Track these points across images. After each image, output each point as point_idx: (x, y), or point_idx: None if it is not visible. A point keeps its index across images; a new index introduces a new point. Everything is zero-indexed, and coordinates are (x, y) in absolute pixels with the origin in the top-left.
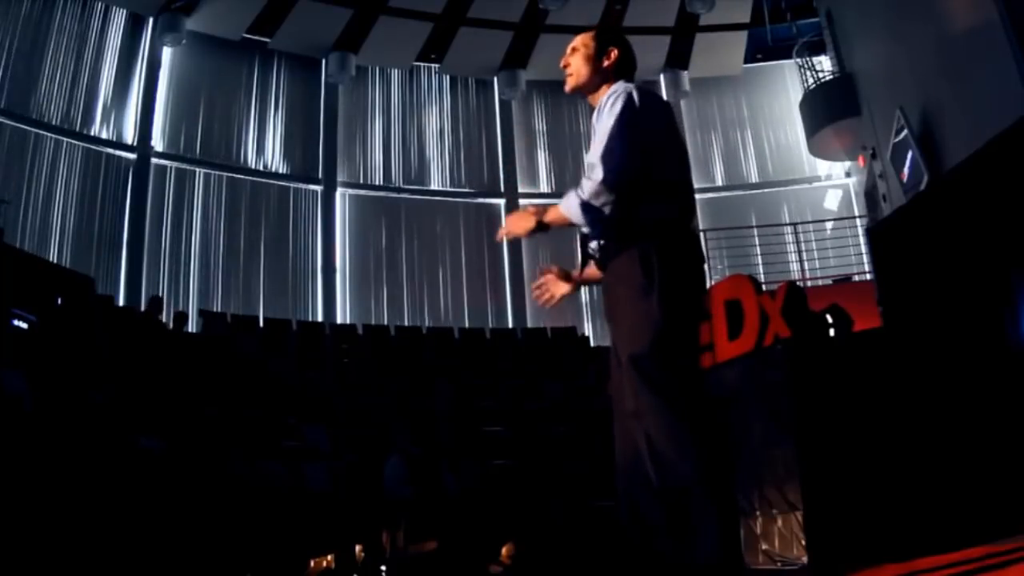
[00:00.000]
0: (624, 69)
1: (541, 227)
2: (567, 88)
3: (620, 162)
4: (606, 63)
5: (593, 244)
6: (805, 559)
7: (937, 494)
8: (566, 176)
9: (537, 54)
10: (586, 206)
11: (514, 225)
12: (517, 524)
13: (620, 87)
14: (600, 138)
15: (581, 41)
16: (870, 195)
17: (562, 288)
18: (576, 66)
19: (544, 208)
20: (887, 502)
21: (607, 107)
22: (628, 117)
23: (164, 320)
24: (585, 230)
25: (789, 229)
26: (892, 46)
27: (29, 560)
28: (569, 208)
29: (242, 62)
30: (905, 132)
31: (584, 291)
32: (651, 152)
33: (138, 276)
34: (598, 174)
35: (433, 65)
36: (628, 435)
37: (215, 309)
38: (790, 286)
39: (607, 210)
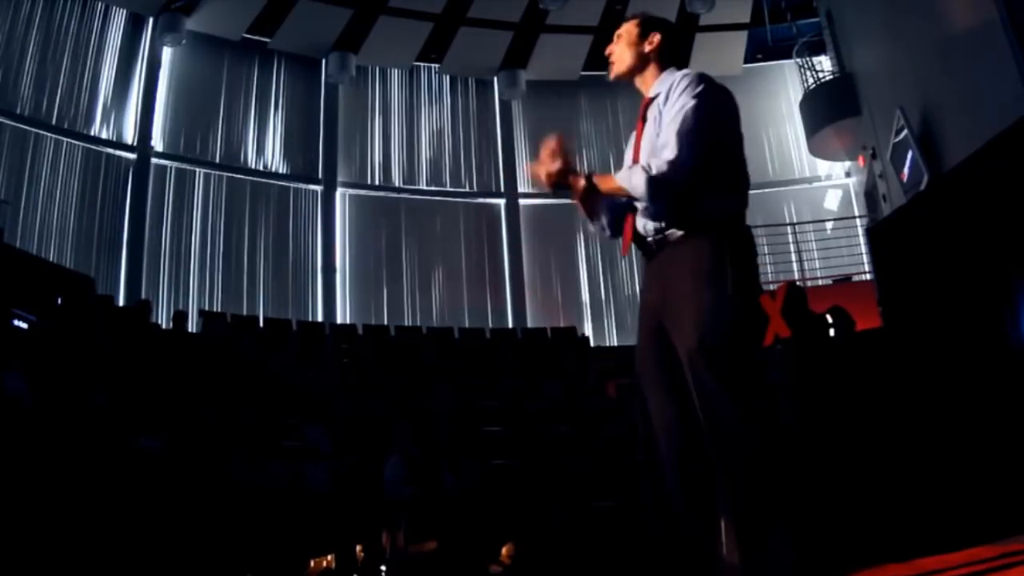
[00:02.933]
0: (669, 54)
1: (590, 189)
2: (611, 75)
3: (695, 145)
4: (648, 48)
5: (651, 227)
6: (804, 556)
7: (938, 494)
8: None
9: (537, 54)
10: (653, 181)
11: (559, 179)
12: (517, 524)
13: (692, 73)
14: (673, 119)
15: (625, 28)
16: (870, 195)
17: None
18: (619, 52)
19: (589, 174)
20: (887, 502)
21: (678, 90)
22: (706, 104)
23: (158, 322)
24: (640, 205)
25: (789, 229)
26: (892, 46)
27: (29, 560)
28: (632, 180)
29: (242, 62)
30: (905, 132)
31: (584, 292)
32: (725, 145)
33: (138, 276)
34: (670, 153)
35: (433, 65)
36: (679, 423)
37: (215, 309)
38: (790, 286)
39: (674, 192)
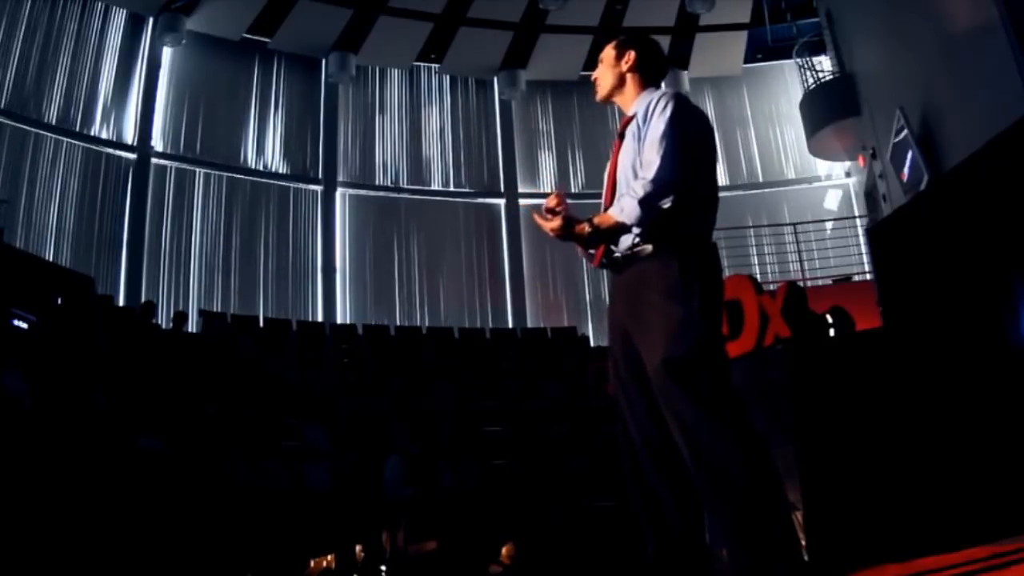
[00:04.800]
0: (647, 69)
1: (595, 233)
2: (597, 98)
3: (675, 162)
4: (624, 66)
5: (624, 243)
6: (805, 559)
7: (937, 494)
8: (567, 176)
9: (537, 54)
10: (643, 203)
11: (564, 233)
12: (517, 524)
13: (668, 93)
14: (652, 141)
15: (604, 52)
16: (870, 195)
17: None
18: (600, 74)
19: (590, 219)
20: (887, 502)
21: (656, 110)
22: (681, 123)
23: (158, 323)
24: (636, 231)
25: (789, 229)
26: (892, 46)
27: (29, 560)
28: (625, 211)
29: (242, 62)
30: (905, 132)
31: (585, 292)
32: (697, 162)
33: (138, 276)
34: (652, 172)
35: (433, 65)
36: (651, 422)
37: (215, 309)
38: (790, 286)
39: (662, 209)
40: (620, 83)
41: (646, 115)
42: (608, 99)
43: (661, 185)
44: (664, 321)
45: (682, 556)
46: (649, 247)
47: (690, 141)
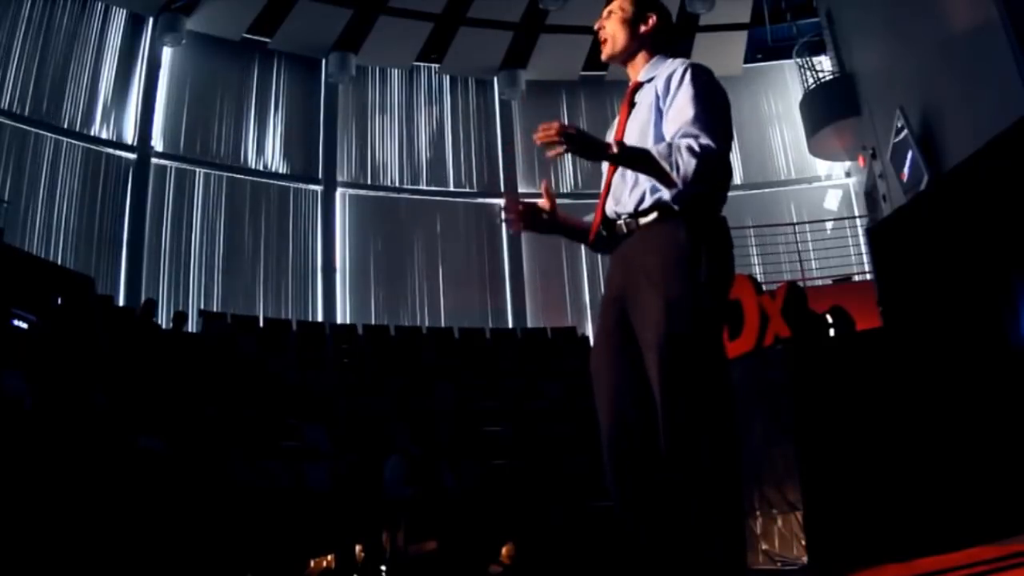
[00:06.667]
0: (664, 39)
1: (615, 160)
2: (604, 55)
3: (724, 131)
4: (643, 29)
5: (629, 206)
6: (805, 559)
7: (938, 494)
8: (567, 176)
9: (537, 54)
10: (704, 162)
11: (583, 148)
12: (517, 524)
13: (694, 63)
14: (689, 105)
15: (618, 4)
16: (870, 195)
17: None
18: (612, 30)
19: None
20: (887, 502)
21: (686, 80)
22: (714, 95)
23: (159, 322)
24: (671, 190)
25: (789, 229)
26: (892, 46)
27: (29, 560)
28: (678, 159)
29: (242, 62)
30: (905, 132)
31: (586, 292)
32: (728, 135)
33: (138, 276)
34: (707, 139)
35: (433, 65)
36: (630, 414)
37: (215, 309)
38: (790, 286)
39: (715, 174)
40: (635, 46)
41: (668, 85)
42: (617, 59)
43: (713, 152)
44: (667, 293)
45: (673, 549)
46: (655, 214)
47: (723, 115)
